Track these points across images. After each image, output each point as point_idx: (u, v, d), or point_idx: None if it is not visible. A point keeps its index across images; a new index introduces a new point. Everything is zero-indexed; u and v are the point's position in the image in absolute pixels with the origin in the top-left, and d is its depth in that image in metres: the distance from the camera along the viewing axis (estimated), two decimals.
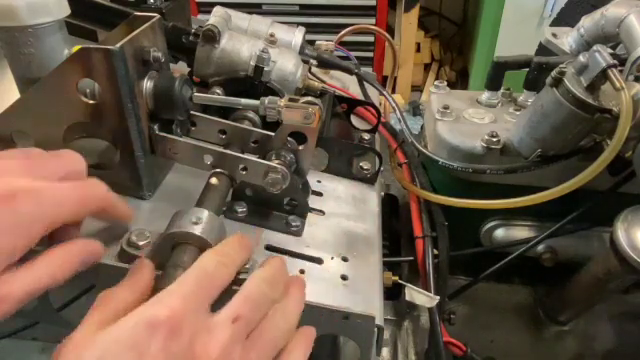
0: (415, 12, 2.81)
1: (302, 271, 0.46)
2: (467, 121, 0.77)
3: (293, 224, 0.50)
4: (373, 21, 2.61)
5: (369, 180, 0.62)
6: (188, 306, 0.32)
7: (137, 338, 0.30)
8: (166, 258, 0.39)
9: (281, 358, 0.36)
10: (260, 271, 0.38)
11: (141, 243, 0.42)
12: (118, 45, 0.40)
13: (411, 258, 0.70)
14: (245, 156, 0.48)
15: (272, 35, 0.63)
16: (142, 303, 0.33)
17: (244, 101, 0.50)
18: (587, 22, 0.76)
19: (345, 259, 0.49)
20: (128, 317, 0.31)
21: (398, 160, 0.76)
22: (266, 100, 0.47)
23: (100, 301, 0.34)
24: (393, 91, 2.81)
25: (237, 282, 0.38)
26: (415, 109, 2.91)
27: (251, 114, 0.55)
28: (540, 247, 0.76)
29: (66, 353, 0.30)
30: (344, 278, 0.47)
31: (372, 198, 0.60)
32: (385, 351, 0.77)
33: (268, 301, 0.37)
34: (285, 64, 0.58)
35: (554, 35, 0.81)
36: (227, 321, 0.34)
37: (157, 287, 0.36)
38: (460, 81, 3.20)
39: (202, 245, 0.39)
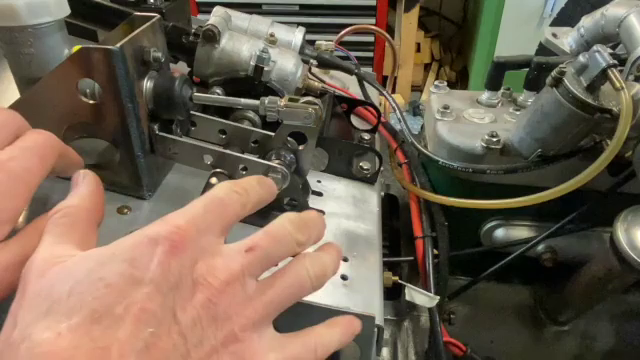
0: (415, 12, 2.82)
1: None
2: (467, 121, 0.77)
3: None
4: (373, 21, 2.61)
5: (369, 180, 0.62)
6: (194, 226, 0.30)
7: (136, 253, 0.28)
8: None
9: (307, 333, 0.33)
10: (289, 213, 0.35)
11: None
12: (118, 45, 0.40)
13: (411, 258, 0.71)
14: (245, 156, 0.48)
15: (272, 35, 0.63)
16: (100, 214, 0.32)
17: (244, 101, 0.50)
18: (587, 22, 0.76)
19: (345, 259, 0.49)
20: (126, 236, 0.29)
21: (398, 160, 0.76)
22: (266, 100, 0.47)
23: (59, 219, 0.32)
24: (393, 91, 2.81)
25: None
26: (415, 109, 2.91)
27: (251, 114, 0.55)
28: (540, 247, 0.76)
29: (43, 271, 0.28)
30: (344, 278, 0.47)
31: (372, 198, 0.60)
32: (385, 351, 0.77)
33: (292, 241, 0.33)
34: (285, 64, 0.58)
35: (554, 35, 0.81)
36: (239, 249, 0.31)
37: None
38: (460, 81, 3.20)
39: None
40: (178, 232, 0.29)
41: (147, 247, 0.28)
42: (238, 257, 0.30)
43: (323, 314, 0.43)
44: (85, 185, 0.35)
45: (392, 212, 0.93)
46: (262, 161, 0.47)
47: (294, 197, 0.50)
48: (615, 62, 0.56)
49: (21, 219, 0.35)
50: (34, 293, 0.27)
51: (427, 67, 3.24)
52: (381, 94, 0.80)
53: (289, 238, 0.33)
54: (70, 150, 0.40)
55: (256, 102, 0.48)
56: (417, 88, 3.16)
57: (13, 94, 0.49)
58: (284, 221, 0.34)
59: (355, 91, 0.79)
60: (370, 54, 2.75)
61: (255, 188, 0.36)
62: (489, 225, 0.78)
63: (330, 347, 0.34)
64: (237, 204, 0.33)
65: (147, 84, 0.46)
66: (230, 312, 0.29)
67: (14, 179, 0.33)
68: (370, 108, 0.71)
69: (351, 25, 0.93)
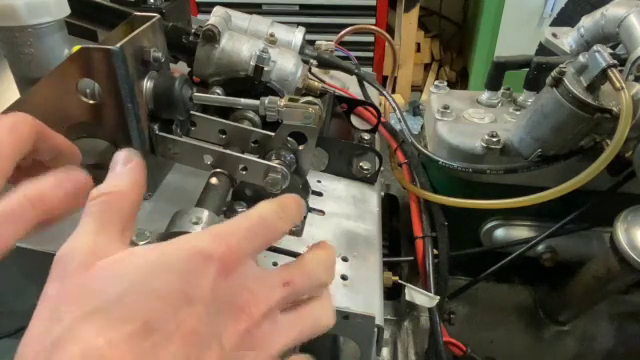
0: (415, 12, 2.82)
1: None
2: (467, 121, 0.77)
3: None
4: (373, 21, 2.61)
5: (369, 180, 0.62)
6: (244, 249, 0.30)
7: (189, 267, 0.27)
8: None
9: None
10: (320, 252, 0.36)
11: (141, 243, 0.42)
12: (118, 45, 0.40)
13: (411, 258, 0.71)
14: (245, 156, 0.48)
15: (272, 35, 0.63)
16: (140, 203, 0.31)
17: (244, 101, 0.50)
18: (587, 22, 0.76)
19: (345, 259, 0.49)
20: (177, 243, 0.29)
21: (398, 160, 0.76)
22: (266, 100, 0.47)
23: (103, 204, 0.31)
24: (393, 91, 2.81)
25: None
26: (415, 109, 2.91)
27: (251, 114, 0.55)
28: (540, 247, 0.76)
29: (89, 263, 0.27)
30: (344, 278, 0.47)
31: (372, 198, 0.60)
32: (385, 351, 0.77)
33: (319, 284, 0.34)
34: (285, 64, 0.58)
35: (554, 35, 0.81)
36: (278, 282, 0.31)
37: None
38: (460, 81, 3.20)
39: None
40: (230, 253, 0.29)
41: (200, 263, 0.28)
42: (276, 290, 0.31)
43: None
44: (132, 172, 0.34)
45: (392, 212, 0.93)
46: (262, 161, 0.47)
47: None
48: (615, 62, 0.56)
49: None
50: (79, 286, 0.27)
51: (427, 67, 3.24)
52: (381, 94, 0.80)
53: (318, 281, 0.34)
54: (58, 136, 0.38)
55: (256, 102, 0.48)
56: (417, 88, 3.16)
57: (13, 94, 0.49)
58: (319, 263, 0.34)
59: (355, 91, 0.79)
60: (370, 54, 2.75)
61: (295, 213, 0.36)
62: (489, 225, 0.78)
63: None
64: (279, 230, 0.34)
65: (147, 84, 0.46)
66: (262, 343, 0.30)
67: None
68: (370, 108, 0.71)
69: (351, 25, 0.93)
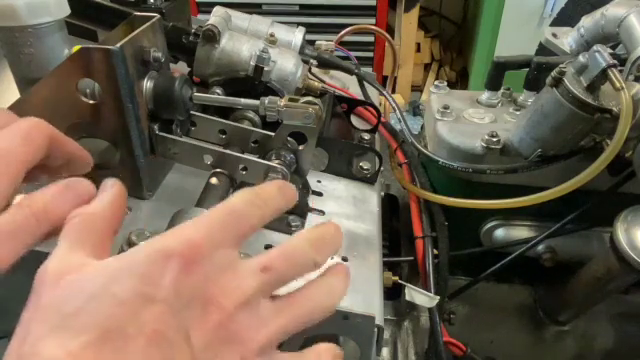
0: (415, 12, 2.82)
1: None
2: (467, 121, 0.77)
3: (293, 224, 0.50)
4: (373, 21, 2.61)
5: (369, 180, 0.62)
6: (208, 240, 0.29)
7: (149, 268, 0.27)
8: None
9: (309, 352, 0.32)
10: (307, 230, 0.34)
11: (141, 243, 0.42)
12: (118, 45, 0.40)
13: (411, 258, 0.71)
14: (245, 156, 0.48)
15: (272, 35, 0.63)
16: (118, 223, 0.31)
17: (244, 101, 0.50)
18: (587, 22, 0.76)
19: (345, 259, 0.49)
20: (139, 248, 0.28)
21: (398, 160, 0.76)
22: (266, 100, 0.47)
23: (77, 225, 0.31)
24: (393, 91, 2.81)
25: None
26: (415, 109, 2.91)
27: (251, 114, 0.55)
28: (540, 247, 0.76)
29: (57, 280, 0.27)
30: None
31: (372, 198, 0.60)
32: (385, 351, 0.77)
33: (309, 263, 0.32)
34: (285, 64, 0.58)
35: (554, 35, 0.81)
36: (254, 268, 0.30)
37: None
38: (460, 81, 3.20)
39: None
40: (192, 248, 0.28)
41: (160, 262, 0.27)
42: (252, 278, 0.29)
43: None
44: (109, 194, 0.34)
45: (392, 212, 0.93)
46: (262, 161, 0.47)
47: None
48: (615, 62, 0.56)
49: None
50: (47, 304, 0.27)
51: (427, 67, 3.24)
52: (381, 94, 0.80)
53: (306, 259, 0.32)
54: (70, 141, 0.39)
55: (256, 102, 0.48)
56: (417, 88, 3.16)
57: (13, 94, 0.49)
58: (302, 241, 0.32)
59: (355, 91, 0.79)
60: (370, 54, 2.75)
61: (275, 198, 0.34)
62: (489, 225, 0.78)
63: None
64: (255, 217, 0.32)
65: (147, 84, 0.46)
66: (241, 336, 0.29)
67: None
68: (370, 108, 0.71)
69: (351, 25, 0.93)
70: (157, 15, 0.48)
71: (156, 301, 0.26)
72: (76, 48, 0.42)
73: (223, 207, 0.31)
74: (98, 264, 0.29)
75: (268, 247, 0.48)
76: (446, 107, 0.78)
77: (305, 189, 0.55)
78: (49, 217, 0.32)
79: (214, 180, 0.47)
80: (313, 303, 0.32)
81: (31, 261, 0.38)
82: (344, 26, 0.92)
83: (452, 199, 0.68)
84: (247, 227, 0.31)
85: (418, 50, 3.11)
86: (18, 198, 0.34)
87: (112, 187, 0.35)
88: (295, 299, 0.32)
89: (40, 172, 0.36)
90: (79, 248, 0.30)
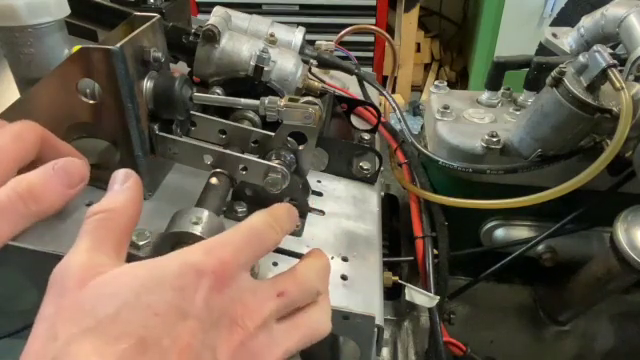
0: (415, 12, 2.82)
1: None
2: (467, 121, 0.77)
3: None
4: (373, 21, 2.61)
5: (369, 180, 0.62)
6: (237, 262, 0.30)
7: (183, 282, 0.28)
8: None
9: None
10: (313, 260, 0.36)
11: (141, 243, 0.42)
12: (118, 45, 0.40)
13: (411, 258, 0.70)
14: (245, 156, 0.48)
15: (272, 35, 0.63)
16: (138, 219, 0.32)
17: (244, 101, 0.50)
18: (587, 22, 0.76)
19: (345, 259, 0.49)
20: (169, 258, 0.29)
21: (398, 160, 0.76)
22: (266, 100, 0.47)
23: (98, 222, 0.31)
24: (393, 91, 2.81)
25: None
26: (415, 109, 2.91)
27: (251, 114, 0.55)
28: (540, 247, 0.76)
29: (82, 281, 0.27)
30: (344, 278, 0.47)
31: (372, 198, 0.60)
32: (385, 351, 0.77)
33: (313, 293, 0.35)
34: (285, 64, 0.58)
35: (554, 35, 0.81)
36: (271, 293, 0.32)
37: None
38: (460, 81, 3.21)
39: None
40: (223, 266, 0.29)
41: (192, 278, 0.28)
42: (270, 302, 0.31)
43: None
44: (129, 190, 0.35)
45: (392, 212, 0.93)
46: (262, 161, 0.47)
47: (294, 197, 0.50)
48: (615, 62, 0.56)
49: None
50: (74, 305, 0.27)
51: (427, 67, 3.24)
52: (381, 94, 0.80)
53: (312, 290, 0.35)
54: (63, 143, 0.39)
55: (256, 102, 0.48)
56: (417, 88, 3.16)
57: (13, 94, 0.49)
58: (311, 272, 0.35)
59: (355, 91, 0.79)
60: (370, 54, 2.75)
61: (287, 223, 0.37)
62: (489, 225, 0.78)
63: None
64: (272, 241, 0.34)
65: (147, 84, 0.46)
66: (257, 356, 0.30)
67: None
68: (370, 108, 0.71)
69: (351, 25, 0.93)
70: (157, 15, 0.48)
71: (189, 316, 0.27)
72: (76, 48, 0.42)
73: (247, 228, 0.33)
74: (127, 269, 0.29)
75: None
76: (446, 107, 0.78)
77: (305, 189, 0.55)
78: (35, 196, 0.33)
79: (214, 180, 0.47)
80: (316, 325, 0.35)
81: (31, 261, 0.38)
82: (344, 26, 0.92)
83: (452, 199, 0.68)
84: (265, 249, 0.34)
85: (418, 50, 3.11)
86: None
87: (129, 180, 0.35)
88: (301, 321, 0.34)
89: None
90: (100, 247, 0.31)
